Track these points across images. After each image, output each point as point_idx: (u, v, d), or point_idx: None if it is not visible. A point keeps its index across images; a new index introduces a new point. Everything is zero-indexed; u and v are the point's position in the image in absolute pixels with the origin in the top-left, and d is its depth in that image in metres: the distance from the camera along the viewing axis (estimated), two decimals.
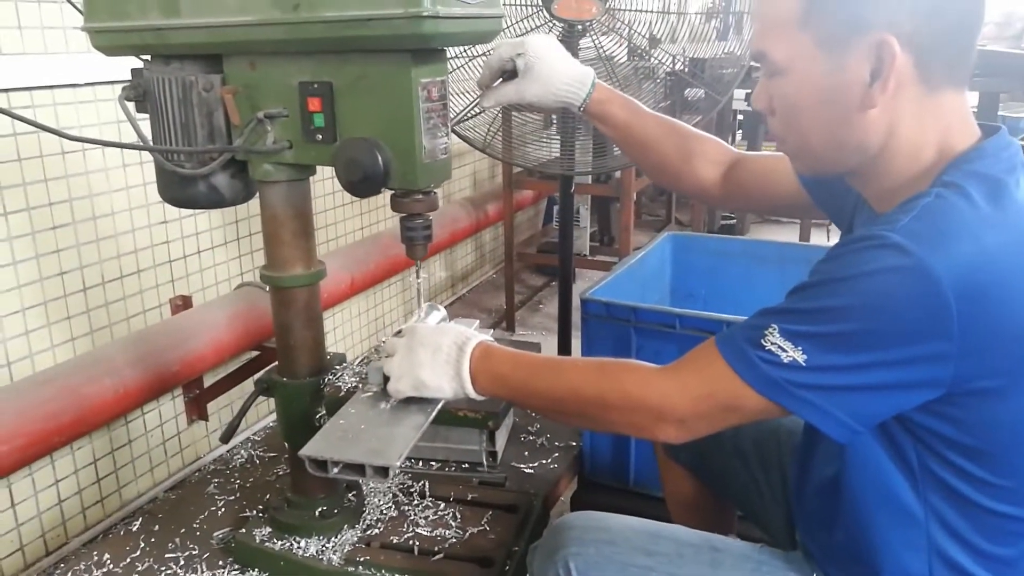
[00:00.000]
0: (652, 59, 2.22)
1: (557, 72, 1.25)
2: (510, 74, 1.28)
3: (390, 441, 1.07)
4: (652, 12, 2.05)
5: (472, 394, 1.07)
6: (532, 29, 1.97)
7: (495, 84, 1.30)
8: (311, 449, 1.07)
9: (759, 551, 1.11)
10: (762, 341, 0.86)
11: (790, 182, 1.19)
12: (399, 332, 1.16)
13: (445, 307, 1.32)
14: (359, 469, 1.05)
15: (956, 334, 0.78)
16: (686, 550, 1.09)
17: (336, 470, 1.06)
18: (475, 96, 1.99)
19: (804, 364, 0.84)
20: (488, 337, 1.12)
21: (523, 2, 1.96)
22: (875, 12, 0.84)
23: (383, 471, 1.04)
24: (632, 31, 2.07)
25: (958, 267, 0.78)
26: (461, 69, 1.96)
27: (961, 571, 0.91)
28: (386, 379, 1.13)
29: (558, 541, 1.11)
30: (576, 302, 1.94)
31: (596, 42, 2.01)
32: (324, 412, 1.33)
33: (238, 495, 1.67)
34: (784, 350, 0.85)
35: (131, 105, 1.23)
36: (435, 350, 1.08)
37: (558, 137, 2.21)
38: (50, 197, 1.70)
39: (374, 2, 1.01)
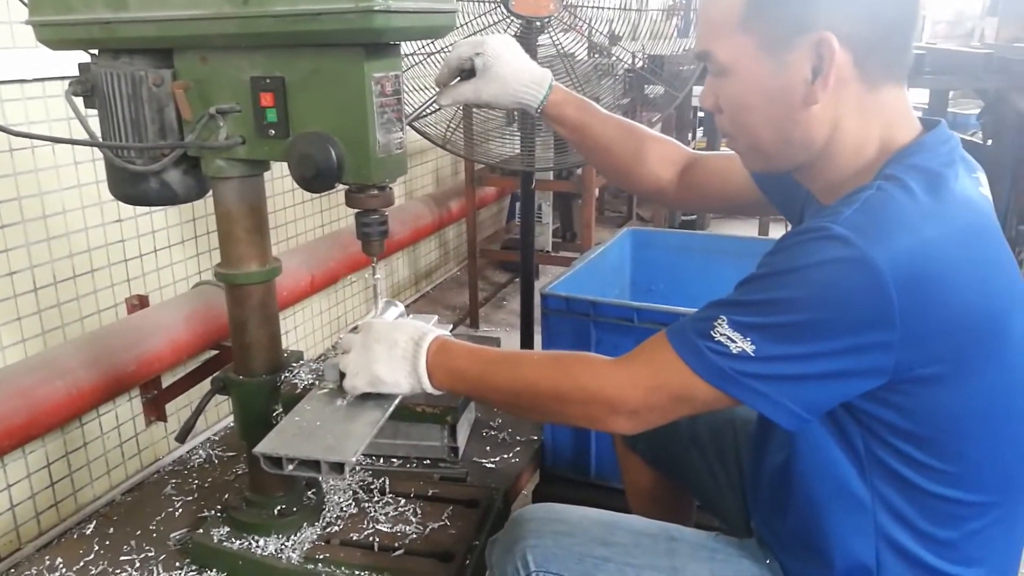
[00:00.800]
0: (612, 56, 2.23)
1: (515, 72, 1.25)
2: (468, 73, 1.28)
3: (346, 437, 1.06)
4: (612, 9, 2.07)
5: (429, 389, 1.07)
6: (489, 25, 1.97)
7: (453, 83, 1.30)
8: (266, 446, 1.06)
9: (715, 539, 1.12)
10: (711, 332, 0.88)
11: (744, 180, 1.21)
12: (355, 328, 1.15)
13: (408, 304, 1.32)
14: (314, 466, 1.05)
15: (898, 323, 0.81)
16: (643, 540, 1.10)
17: (291, 467, 1.06)
18: (433, 93, 1.99)
19: (753, 354, 0.85)
20: (445, 332, 1.13)
21: None
22: (814, 13, 0.86)
23: (339, 467, 1.03)
24: (592, 28, 2.08)
25: (898, 258, 0.80)
26: (418, 66, 1.95)
27: (907, 555, 0.94)
28: (342, 375, 1.13)
29: (516, 533, 1.11)
30: (538, 298, 1.95)
31: (555, 39, 2.02)
32: (280, 410, 1.32)
33: (196, 496, 1.65)
34: (733, 340, 0.86)
35: (79, 100, 1.21)
36: (391, 345, 1.08)
37: (519, 133, 2.22)
38: None
39: None
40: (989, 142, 3.26)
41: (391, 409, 1.14)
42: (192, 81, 1.17)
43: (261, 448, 1.06)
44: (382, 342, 1.09)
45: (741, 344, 0.86)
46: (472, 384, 1.07)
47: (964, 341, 0.84)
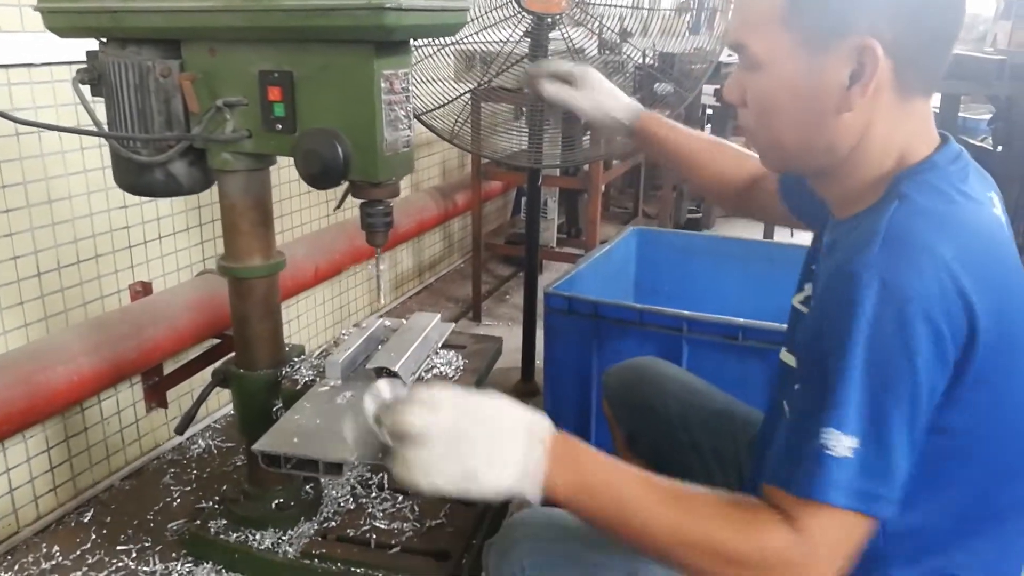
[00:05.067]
0: (622, 53, 2.22)
1: (610, 89, 1.36)
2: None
3: (345, 437, 1.06)
4: (624, 6, 2.05)
5: (535, 500, 0.83)
6: (501, 21, 1.95)
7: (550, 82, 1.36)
8: (264, 444, 1.06)
9: None
10: (829, 452, 0.79)
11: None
12: (389, 372, 1.03)
13: (411, 296, 1.31)
14: (313, 465, 1.04)
15: (951, 352, 0.78)
16: None
17: (289, 466, 1.05)
18: (442, 85, 1.98)
19: (861, 445, 0.78)
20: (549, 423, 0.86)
21: None
22: (858, 16, 0.83)
23: (337, 468, 1.03)
24: (603, 25, 2.06)
25: (932, 284, 0.78)
26: (429, 59, 1.94)
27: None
28: (383, 447, 0.82)
29: (513, 537, 1.10)
30: (542, 295, 1.94)
31: (565, 35, 2.01)
32: (281, 405, 1.32)
33: (194, 486, 1.65)
34: (840, 442, 0.79)
35: (86, 89, 1.20)
36: (496, 434, 0.82)
37: (526, 129, 2.21)
38: (3, 180, 1.65)
39: None
40: (999, 148, 3.24)
41: None
42: (200, 73, 1.16)
43: (259, 446, 1.06)
44: (485, 435, 0.81)
45: (846, 440, 0.78)
46: (611, 514, 0.84)
47: (976, 365, 0.82)
